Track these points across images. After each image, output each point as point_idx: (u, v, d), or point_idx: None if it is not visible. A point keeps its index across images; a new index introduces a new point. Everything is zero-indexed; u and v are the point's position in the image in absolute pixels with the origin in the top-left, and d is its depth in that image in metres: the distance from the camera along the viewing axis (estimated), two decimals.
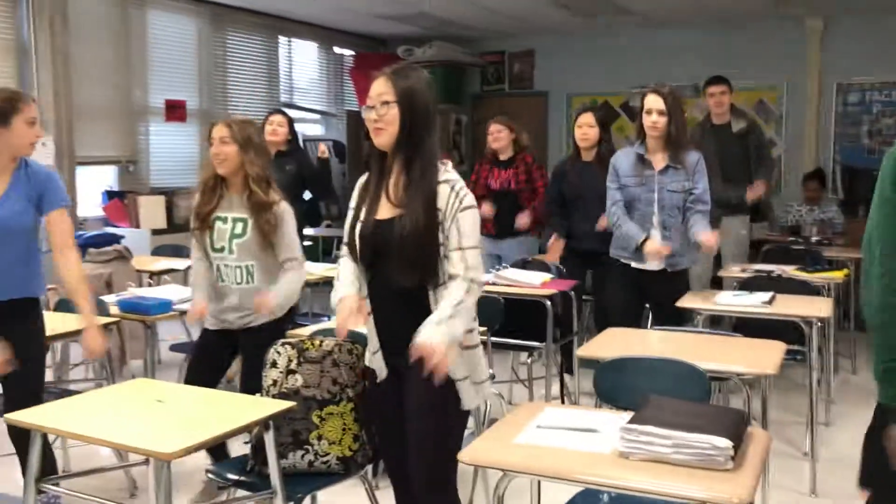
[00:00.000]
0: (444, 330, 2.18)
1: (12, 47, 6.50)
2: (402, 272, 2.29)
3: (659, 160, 4.05)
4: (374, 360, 2.48)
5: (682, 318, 3.97)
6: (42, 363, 3.15)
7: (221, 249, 3.29)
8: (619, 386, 2.71)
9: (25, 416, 2.38)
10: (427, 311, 2.28)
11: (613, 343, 3.27)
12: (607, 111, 8.81)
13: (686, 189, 4.01)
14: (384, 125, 2.29)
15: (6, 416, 2.38)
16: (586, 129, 4.90)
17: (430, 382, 2.21)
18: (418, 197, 2.27)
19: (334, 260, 5.67)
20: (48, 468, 3.01)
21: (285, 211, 3.29)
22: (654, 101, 3.97)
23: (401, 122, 2.28)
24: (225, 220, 3.27)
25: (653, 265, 4.08)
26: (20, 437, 2.97)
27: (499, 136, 5.48)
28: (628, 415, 2.17)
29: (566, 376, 4.71)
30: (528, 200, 5.39)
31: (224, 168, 3.24)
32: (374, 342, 2.46)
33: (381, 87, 2.30)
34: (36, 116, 3.03)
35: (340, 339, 2.63)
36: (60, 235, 3.08)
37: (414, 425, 2.37)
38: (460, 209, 2.28)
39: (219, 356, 3.40)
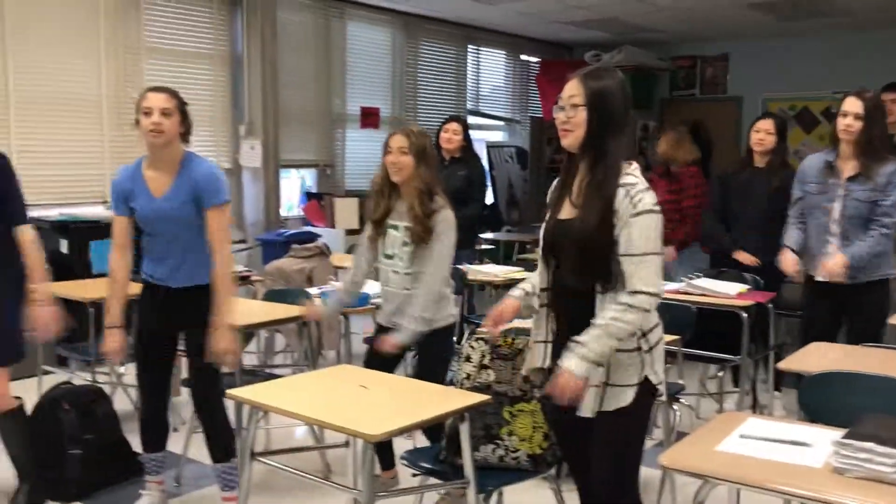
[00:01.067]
0: (584, 352, 2.22)
1: (227, 56, 7.07)
2: (573, 273, 2.32)
3: (849, 168, 3.82)
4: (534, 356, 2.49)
5: (876, 336, 3.72)
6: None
7: (392, 256, 3.36)
8: (828, 402, 2.55)
9: (245, 394, 2.58)
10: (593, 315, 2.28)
11: (818, 358, 3.10)
12: (804, 117, 8.34)
13: (873, 200, 3.76)
14: (571, 127, 2.31)
15: (231, 391, 2.59)
16: (764, 134, 4.66)
17: (609, 386, 2.27)
18: (595, 199, 2.27)
19: (515, 263, 5.73)
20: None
21: (445, 223, 3.29)
22: (851, 104, 3.76)
23: (587, 125, 2.29)
24: (397, 227, 3.35)
25: (823, 276, 3.89)
26: (205, 410, 3.26)
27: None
28: (840, 431, 2.05)
29: (776, 393, 4.55)
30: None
31: (399, 177, 3.31)
32: (539, 348, 2.46)
33: (572, 89, 2.32)
34: (151, 106, 3.06)
35: (492, 339, 2.68)
36: (213, 233, 3.14)
37: (594, 429, 2.36)
38: (633, 213, 2.23)
39: (387, 354, 3.45)
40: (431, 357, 3.40)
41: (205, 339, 3.12)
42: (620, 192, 2.26)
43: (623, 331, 2.24)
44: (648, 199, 2.25)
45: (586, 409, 2.31)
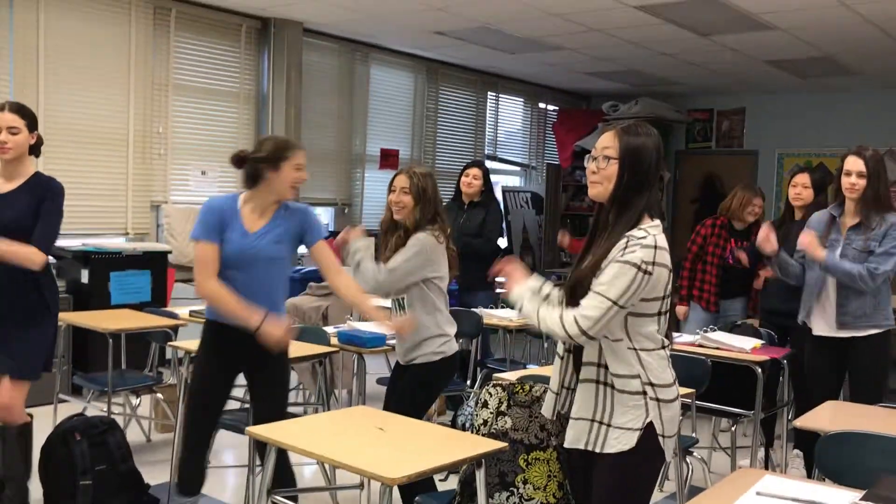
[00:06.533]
0: (526, 294, 2.37)
1: (252, 96, 7.20)
2: None
3: (850, 221, 3.91)
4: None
5: (878, 392, 3.76)
6: (287, 383, 3.38)
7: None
8: (845, 461, 2.56)
9: (264, 431, 2.61)
10: (594, 361, 2.31)
11: (834, 416, 3.10)
12: (824, 173, 8.39)
13: (869, 250, 3.81)
14: (600, 179, 2.31)
15: (249, 429, 2.62)
16: (801, 188, 4.74)
17: (610, 428, 2.27)
18: (601, 249, 2.28)
19: None
20: (287, 481, 3.21)
21: (418, 241, 3.38)
22: (853, 163, 3.84)
23: (617, 179, 2.28)
24: None
25: (822, 329, 3.92)
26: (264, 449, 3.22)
27: (757, 212, 5.22)
28: (858, 493, 2.06)
29: (796, 451, 4.53)
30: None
31: (400, 215, 3.44)
32: (550, 398, 2.53)
33: (606, 141, 2.32)
34: (303, 162, 3.20)
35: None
36: (331, 260, 3.30)
37: (594, 473, 2.36)
38: (616, 259, 2.22)
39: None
40: (417, 385, 3.45)
41: (276, 375, 3.22)
42: (622, 241, 2.24)
43: (544, 323, 2.31)
44: (641, 254, 2.20)
45: (577, 441, 2.34)
